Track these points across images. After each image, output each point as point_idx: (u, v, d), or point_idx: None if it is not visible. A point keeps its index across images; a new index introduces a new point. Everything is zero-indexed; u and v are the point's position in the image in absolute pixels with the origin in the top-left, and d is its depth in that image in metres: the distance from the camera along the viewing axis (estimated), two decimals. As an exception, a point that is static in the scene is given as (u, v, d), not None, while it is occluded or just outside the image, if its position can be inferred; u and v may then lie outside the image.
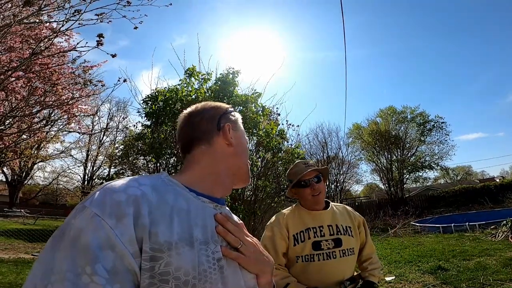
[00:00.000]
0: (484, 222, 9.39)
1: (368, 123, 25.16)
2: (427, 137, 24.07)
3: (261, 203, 5.66)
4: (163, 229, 0.55)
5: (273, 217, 1.65)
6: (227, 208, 0.79)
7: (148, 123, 4.47)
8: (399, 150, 23.62)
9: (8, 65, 4.44)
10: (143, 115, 4.29)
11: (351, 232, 1.58)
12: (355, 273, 1.61)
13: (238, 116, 0.85)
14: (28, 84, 5.39)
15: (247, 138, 0.86)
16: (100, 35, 2.64)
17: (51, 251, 0.49)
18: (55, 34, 3.20)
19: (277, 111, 5.16)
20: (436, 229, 10.53)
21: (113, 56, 2.98)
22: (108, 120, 27.33)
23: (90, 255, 0.47)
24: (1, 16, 2.71)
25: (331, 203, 1.65)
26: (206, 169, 0.73)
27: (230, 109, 0.83)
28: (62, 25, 2.73)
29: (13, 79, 5.00)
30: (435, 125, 24.01)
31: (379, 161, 24.07)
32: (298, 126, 5.68)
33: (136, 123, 4.79)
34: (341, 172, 23.48)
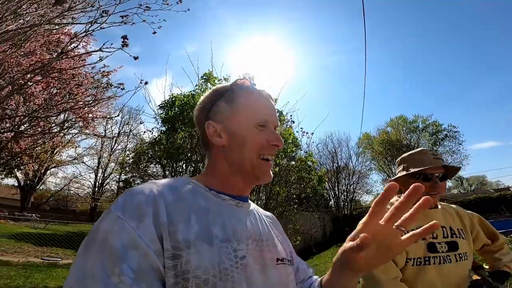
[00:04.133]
0: (504, 231, 9.10)
1: (378, 132, 24.92)
2: (440, 146, 23.64)
3: (273, 211, 5.57)
4: (181, 227, 0.55)
5: None
6: (253, 204, 0.77)
7: (164, 129, 4.49)
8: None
9: (28, 69, 4.54)
10: (159, 121, 4.31)
11: (465, 235, 1.38)
12: (475, 277, 1.40)
13: (232, 100, 0.72)
14: (47, 89, 5.49)
15: (260, 118, 0.71)
16: (124, 37, 2.68)
17: (83, 255, 0.50)
18: (76, 38, 3.25)
19: (291, 118, 5.12)
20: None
21: (136, 58, 3.01)
22: (120, 128, 27.73)
23: (117, 256, 0.48)
24: (28, 17, 2.76)
25: (438, 203, 1.44)
26: (215, 168, 0.72)
27: (217, 98, 0.74)
28: (87, 28, 2.75)
29: (31, 83, 5.10)
30: (448, 134, 23.61)
31: (390, 171, 23.69)
32: (312, 133, 5.61)
33: (152, 129, 4.82)
34: (351, 182, 23.20)
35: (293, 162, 5.88)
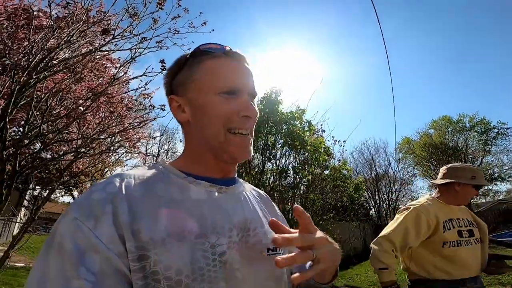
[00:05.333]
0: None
1: (419, 135, 23.46)
2: (493, 146, 21.55)
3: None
4: (148, 225, 0.49)
5: (416, 202, 1.86)
6: (240, 184, 0.68)
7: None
8: (460, 163, 21.33)
9: (80, 96, 5.18)
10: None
11: (476, 226, 1.84)
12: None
13: (193, 67, 0.63)
14: (97, 114, 6.17)
15: (231, 84, 0.61)
16: (162, 61, 3.04)
17: (43, 257, 0.47)
18: (124, 64, 3.71)
19: (321, 127, 5.19)
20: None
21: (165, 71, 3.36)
22: (160, 147, 29.49)
23: (75, 259, 0.45)
24: (78, 46, 3.25)
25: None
26: (187, 149, 0.65)
27: (179, 69, 0.65)
28: (133, 55, 3.17)
29: (88, 111, 5.77)
30: (499, 132, 21.46)
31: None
32: (345, 141, 5.60)
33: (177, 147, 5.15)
34: (393, 190, 21.96)
35: (327, 171, 5.88)
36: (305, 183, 4.70)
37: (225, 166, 0.63)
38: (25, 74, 2.87)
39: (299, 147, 3.88)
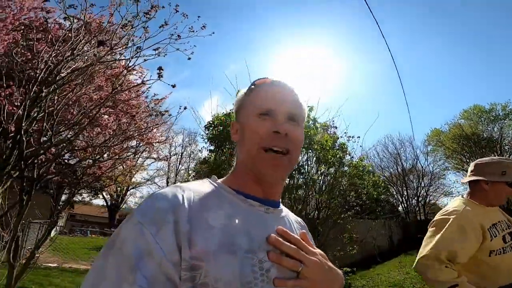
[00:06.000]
0: None
1: (448, 127, 22.12)
2: (531, 135, 19.79)
3: (327, 220, 5.46)
4: (203, 237, 0.51)
5: (454, 209, 1.60)
6: (284, 209, 0.72)
7: (212, 147, 4.85)
8: (495, 154, 19.88)
9: (98, 103, 5.42)
10: (206, 140, 4.69)
11: None
12: None
13: (243, 98, 0.72)
14: (117, 120, 6.43)
15: (264, 107, 0.66)
16: (160, 68, 3.08)
17: (102, 258, 0.50)
18: (126, 71, 3.81)
19: (333, 124, 5.04)
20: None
21: (173, 86, 3.41)
22: (182, 149, 30.26)
23: (132, 263, 0.47)
24: (85, 57, 3.38)
25: None
26: (235, 167, 0.70)
27: (235, 102, 0.75)
28: (129, 61, 3.25)
29: (105, 116, 6.03)
30: (536, 119, 19.64)
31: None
32: (359, 137, 5.41)
33: (201, 148, 5.25)
34: (422, 185, 20.88)
35: (345, 168, 5.71)
36: (310, 183, 4.59)
37: (266, 187, 0.66)
38: (35, 87, 3.04)
39: (306, 146, 3.80)
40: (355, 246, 5.71)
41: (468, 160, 20.63)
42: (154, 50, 3.19)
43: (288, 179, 3.92)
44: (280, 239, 0.58)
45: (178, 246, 0.49)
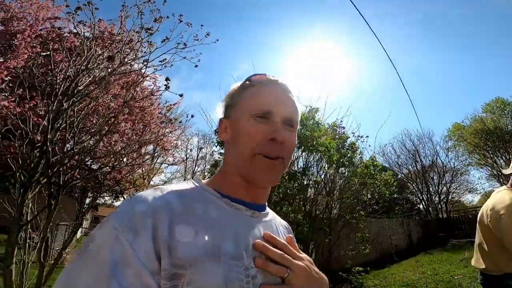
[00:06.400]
0: None
1: (469, 121, 21.26)
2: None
3: (338, 220, 5.51)
4: (185, 243, 0.49)
5: (502, 203, 1.66)
6: (271, 213, 0.71)
7: (222, 151, 5.02)
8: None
9: (116, 110, 5.74)
10: (217, 144, 4.88)
11: None
12: None
13: (239, 94, 0.67)
14: (133, 126, 6.76)
15: (264, 108, 0.63)
16: (167, 79, 3.29)
17: (76, 262, 0.48)
18: (142, 77, 4.05)
19: (341, 124, 5.09)
20: None
21: (180, 95, 3.62)
22: (198, 151, 30.87)
23: (107, 271, 0.44)
24: (99, 70, 3.65)
25: None
26: (223, 168, 0.68)
27: (231, 97, 0.69)
28: (137, 79, 3.49)
29: (122, 123, 6.35)
30: None
31: (495, 165, 19.73)
32: (367, 136, 5.43)
33: (212, 151, 5.46)
34: (444, 182, 20.12)
35: (356, 168, 5.73)
36: (312, 185, 4.67)
37: (253, 190, 0.64)
38: (56, 101, 3.33)
39: (311, 148, 3.88)
40: (368, 245, 5.73)
41: (492, 156, 19.77)
42: (161, 61, 3.40)
43: (292, 182, 4.01)
44: (266, 244, 0.57)
45: (157, 254, 0.47)
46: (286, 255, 0.58)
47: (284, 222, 0.78)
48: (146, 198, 0.53)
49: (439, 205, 19.78)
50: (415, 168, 20.80)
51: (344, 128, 5.13)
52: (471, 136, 20.21)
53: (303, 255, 0.63)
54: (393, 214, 14.03)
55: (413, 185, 20.55)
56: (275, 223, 0.69)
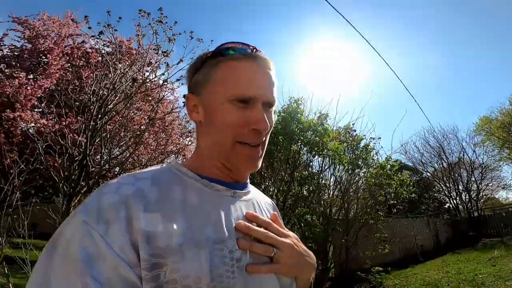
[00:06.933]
0: None
1: (495, 114, 20.12)
2: None
3: (357, 220, 5.63)
4: (164, 231, 0.47)
5: None
6: (252, 190, 0.68)
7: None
8: None
9: (141, 123, 6.26)
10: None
11: None
12: None
13: (212, 68, 0.60)
14: (156, 137, 7.25)
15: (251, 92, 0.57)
16: (184, 96, 3.71)
17: (45, 260, 0.44)
18: (160, 89, 4.49)
19: (353, 126, 5.24)
20: None
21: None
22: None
23: (80, 267, 0.42)
24: (122, 90, 4.16)
25: None
26: (199, 149, 0.64)
27: (199, 67, 0.62)
28: (160, 96, 3.92)
29: (146, 133, 6.85)
30: None
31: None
32: (380, 138, 5.54)
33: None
34: (473, 179, 19.17)
35: (371, 170, 5.83)
36: (327, 186, 4.83)
37: (234, 172, 0.61)
38: (91, 120, 3.82)
39: (320, 153, 4.07)
40: (387, 246, 5.77)
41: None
42: (177, 79, 3.83)
43: (301, 186, 4.17)
44: (249, 224, 0.55)
45: (134, 245, 0.45)
46: (270, 234, 0.57)
47: (268, 200, 0.75)
48: (116, 187, 0.50)
49: (470, 203, 18.88)
50: (441, 165, 20.04)
51: (355, 131, 5.27)
52: (498, 130, 19.21)
53: (289, 232, 0.62)
54: (418, 213, 13.65)
55: (440, 183, 19.80)
56: (257, 201, 0.66)
